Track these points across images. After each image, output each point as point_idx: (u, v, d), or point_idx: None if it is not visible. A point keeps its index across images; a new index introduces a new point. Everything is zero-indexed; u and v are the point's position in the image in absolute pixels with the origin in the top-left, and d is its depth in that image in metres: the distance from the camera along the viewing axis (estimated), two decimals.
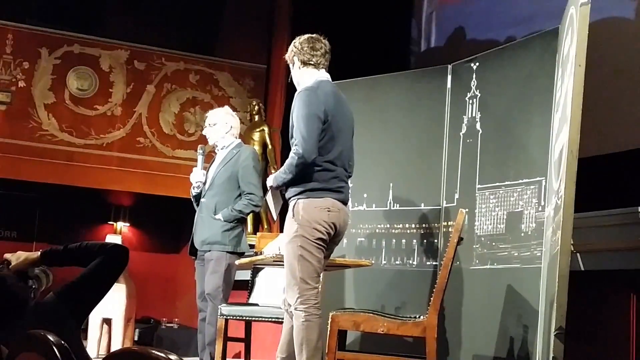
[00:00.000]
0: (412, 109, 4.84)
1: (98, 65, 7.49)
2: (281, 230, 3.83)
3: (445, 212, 4.58)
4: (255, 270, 4.98)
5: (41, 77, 7.27)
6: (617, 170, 4.64)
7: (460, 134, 4.57)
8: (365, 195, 4.87)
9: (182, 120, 7.75)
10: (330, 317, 3.63)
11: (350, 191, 3.67)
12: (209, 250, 4.38)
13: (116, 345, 6.32)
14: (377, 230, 4.84)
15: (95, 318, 6.32)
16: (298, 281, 3.37)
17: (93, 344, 6.37)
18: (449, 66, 4.73)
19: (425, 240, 4.67)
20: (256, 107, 7.40)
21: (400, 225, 4.76)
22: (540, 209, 3.95)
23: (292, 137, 3.46)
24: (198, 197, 4.55)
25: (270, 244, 4.42)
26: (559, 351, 2.95)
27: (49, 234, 8.13)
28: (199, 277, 4.49)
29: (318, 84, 3.50)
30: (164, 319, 8.01)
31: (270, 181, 3.57)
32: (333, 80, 3.65)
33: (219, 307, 4.27)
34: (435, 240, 4.63)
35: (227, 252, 4.36)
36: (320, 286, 3.47)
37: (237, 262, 4.40)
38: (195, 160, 4.68)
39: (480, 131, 4.46)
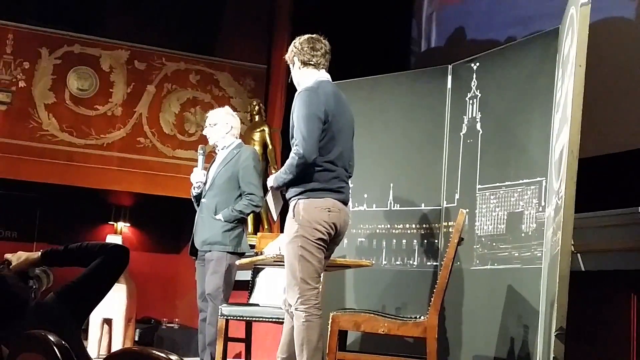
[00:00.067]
0: (413, 109, 4.84)
1: (98, 65, 7.50)
2: (281, 231, 3.83)
3: (446, 212, 4.58)
4: (256, 271, 4.98)
5: (41, 77, 7.28)
6: (617, 171, 4.64)
7: (461, 134, 4.57)
8: (365, 196, 4.87)
9: (182, 120, 7.76)
10: (330, 317, 3.62)
11: (350, 191, 3.67)
12: (210, 251, 4.38)
13: (117, 346, 6.33)
14: (378, 231, 4.83)
15: (95, 318, 6.33)
16: (298, 281, 3.37)
17: (94, 344, 6.37)
18: (449, 66, 4.72)
19: (425, 241, 4.67)
20: (256, 107, 7.40)
21: (401, 226, 4.76)
22: (540, 209, 3.95)
23: (292, 137, 3.46)
24: (198, 197, 4.55)
25: (270, 244, 4.42)
26: (560, 352, 2.95)
27: (49, 234, 8.14)
28: (200, 278, 4.49)
29: (318, 84, 3.50)
30: (165, 319, 8.01)
31: (270, 181, 3.57)
32: (333, 80, 3.65)
33: (220, 307, 4.27)
34: (436, 241, 4.63)
35: (228, 252, 4.36)
36: (320, 286, 3.47)
37: (237, 262, 4.40)
38: (196, 160, 4.68)
39: (481, 131, 4.46)
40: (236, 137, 4.62)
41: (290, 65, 3.67)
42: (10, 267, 2.35)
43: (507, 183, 4.22)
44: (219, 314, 4.27)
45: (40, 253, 2.39)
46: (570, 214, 2.98)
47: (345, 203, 3.54)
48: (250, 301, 4.85)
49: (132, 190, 7.85)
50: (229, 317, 4.28)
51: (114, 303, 6.24)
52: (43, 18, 7.85)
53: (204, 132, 4.66)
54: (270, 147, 7.20)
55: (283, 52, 3.85)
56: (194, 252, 4.52)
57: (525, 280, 3.97)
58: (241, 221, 4.45)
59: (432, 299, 3.54)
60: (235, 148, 4.55)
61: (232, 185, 4.44)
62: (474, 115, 4.51)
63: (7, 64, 7.17)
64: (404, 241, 4.73)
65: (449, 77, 4.70)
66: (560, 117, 3.50)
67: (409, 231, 4.73)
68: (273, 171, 6.45)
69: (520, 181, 4.12)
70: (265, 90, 7.95)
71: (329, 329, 3.60)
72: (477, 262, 4.34)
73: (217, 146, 4.60)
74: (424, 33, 7.15)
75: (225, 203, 4.40)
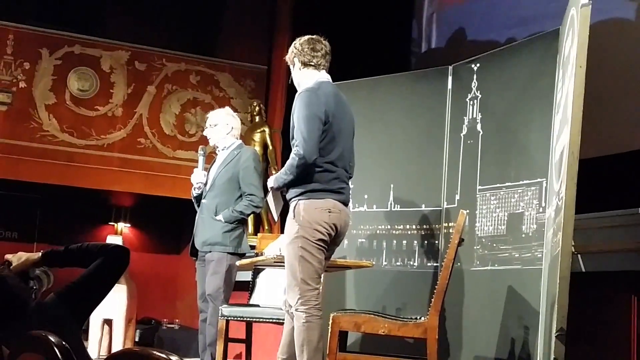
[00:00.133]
0: (413, 110, 4.84)
1: (99, 66, 7.50)
2: (282, 231, 3.83)
3: (446, 213, 4.58)
4: (256, 271, 4.98)
5: (42, 77, 7.28)
6: (618, 172, 4.64)
7: (461, 135, 4.57)
8: (366, 196, 4.87)
9: (182, 121, 7.76)
10: (331, 318, 3.62)
11: (351, 192, 3.67)
12: (210, 251, 4.38)
13: (117, 346, 6.33)
14: (378, 231, 4.83)
15: (96, 319, 6.33)
16: (299, 282, 3.37)
17: (94, 345, 6.38)
18: (450, 67, 4.72)
19: (426, 242, 4.67)
20: (257, 108, 7.40)
21: (401, 226, 4.76)
22: (541, 210, 3.95)
23: (292, 138, 3.46)
24: (199, 198, 4.55)
25: (271, 244, 4.42)
26: (560, 352, 2.95)
27: (49, 235, 8.14)
28: (200, 278, 4.49)
29: (319, 85, 3.50)
30: (165, 320, 8.02)
31: (271, 182, 3.57)
32: (334, 81, 3.65)
33: (220, 308, 4.27)
34: (436, 242, 4.63)
35: (228, 253, 4.36)
36: (321, 287, 3.47)
37: (238, 263, 4.40)
38: (196, 161, 4.68)
39: (481, 132, 4.46)
40: (236, 138, 4.62)
41: (291, 66, 3.67)
42: (11, 267, 2.35)
43: (507, 184, 4.22)
44: (220, 315, 4.27)
45: (40, 254, 2.39)
46: (571, 214, 2.98)
47: (346, 204, 3.54)
48: (251, 302, 4.85)
49: (132, 190, 7.85)
50: (229, 318, 4.28)
51: (115, 304, 6.25)
52: (43, 19, 7.85)
53: (205, 133, 4.66)
54: (270, 147, 7.20)
55: (283, 53, 3.85)
56: (194, 252, 4.52)
57: (525, 281, 3.97)
58: (241, 222, 4.45)
59: (432, 299, 3.54)
60: (235, 149, 4.55)
61: (233, 186, 4.44)
62: (474, 116, 4.51)
63: (8, 64, 7.18)
64: (405, 242, 4.73)
65: (450, 78, 4.70)
66: (561, 118, 3.50)
67: (409, 232, 4.73)
68: (273, 172, 6.45)
69: (521, 182, 4.12)
70: (265, 91, 7.95)
71: (330, 330, 3.60)
72: (478, 263, 4.34)
73: (217, 147, 4.60)
74: (425, 34, 7.15)
75: (225, 204, 4.40)
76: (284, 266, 3.50)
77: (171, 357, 1.38)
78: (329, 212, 3.41)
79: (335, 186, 3.45)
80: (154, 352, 1.41)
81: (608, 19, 4.96)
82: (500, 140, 4.34)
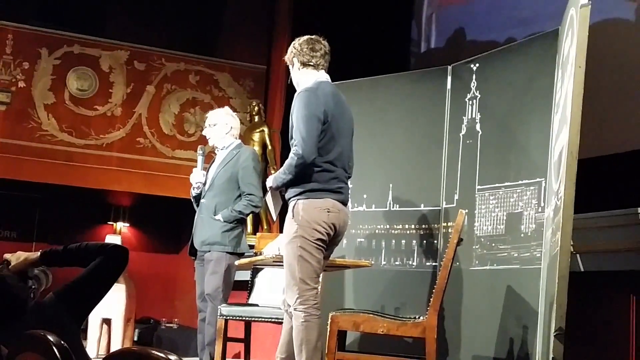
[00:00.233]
0: (412, 109, 4.84)
1: (98, 66, 7.51)
2: (281, 231, 3.83)
3: (445, 212, 4.58)
4: (255, 271, 4.98)
5: (41, 77, 7.28)
6: (616, 171, 4.64)
7: (460, 134, 4.57)
8: (365, 196, 4.87)
9: (182, 120, 7.76)
10: (330, 317, 3.63)
11: (350, 192, 3.67)
12: (209, 251, 4.38)
13: (116, 346, 6.33)
14: (377, 231, 4.84)
15: (95, 318, 6.33)
16: (297, 282, 3.37)
17: (93, 344, 6.37)
18: (449, 67, 4.73)
19: (425, 241, 4.67)
20: (256, 108, 7.41)
21: (400, 226, 4.76)
22: (540, 209, 3.95)
23: (291, 137, 3.46)
24: (198, 197, 4.55)
25: (269, 244, 4.41)
26: (559, 352, 2.95)
27: (48, 234, 8.15)
28: (199, 278, 4.49)
29: (318, 85, 3.50)
30: (164, 319, 8.02)
31: (269, 182, 3.57)
32: (333, 81, 3.65)
33: (219, 307, 4.27)
34: (435, 241, 4.63)
35: (227, 252, 4.36)
36: (319, 287, 3.47)
37: (236, 262, 4.40)
38: (195, 160, 4.68)
39: (480, 132, 4.46)
40: (236, 138, 4.62)
41: (290, 66, 3.67)
42: (10, 267, 2.35)
43: (506, 184, 4.22)
44: (218, 314, 4.27)
45: (39, 253, 2.39)
46: (570, 214, 2.99)
47: (345, 203, 3.54)
48: (250, 301, 4.84)
49: (131, 190, 7.85)
50: (228, 317, 4.28)
51: (113, 303, 6.25)
52: (43, 18, 7.86)
53: (204, 133, 4.66)
54: (269, 147, 7.21)
55: (283, 53, 3.85)
56: (193, 252, 4.52)
57: (524, 280, 3.97)
58: (240, 221, 4.45)
59: (431, 299, 3.54)
60: (234, 148, 4.55)
61: (232, 186, 4.44)
62: (473, 116, 4.52)
63: (7, 64, 7.18)
64: (403, 241, 4.74)
65: (449, 78, 4.70)
66: (560, 118, 3.50)
67: (408, 231, 4.73)
68: (272, 172, 6.45)
69: (520, 182, 4.12)
70: (264, 91, 7.96)
71: (328, 329, 3.60)
72: (477, 262, 4.35)
73: (216, 147, 4.60)
74: (424, 34, 7.16)
75: (224, 203, 4.40)
76: (282, 266, 3.50)
77: (170, 357, 1.38)
78: (328, 211, 3.41)
79: (334, 186, 3.45)
80: (153, 351, 1.41)
81: (607, 19, 4.96)
82: (500, 140, 4.34)
